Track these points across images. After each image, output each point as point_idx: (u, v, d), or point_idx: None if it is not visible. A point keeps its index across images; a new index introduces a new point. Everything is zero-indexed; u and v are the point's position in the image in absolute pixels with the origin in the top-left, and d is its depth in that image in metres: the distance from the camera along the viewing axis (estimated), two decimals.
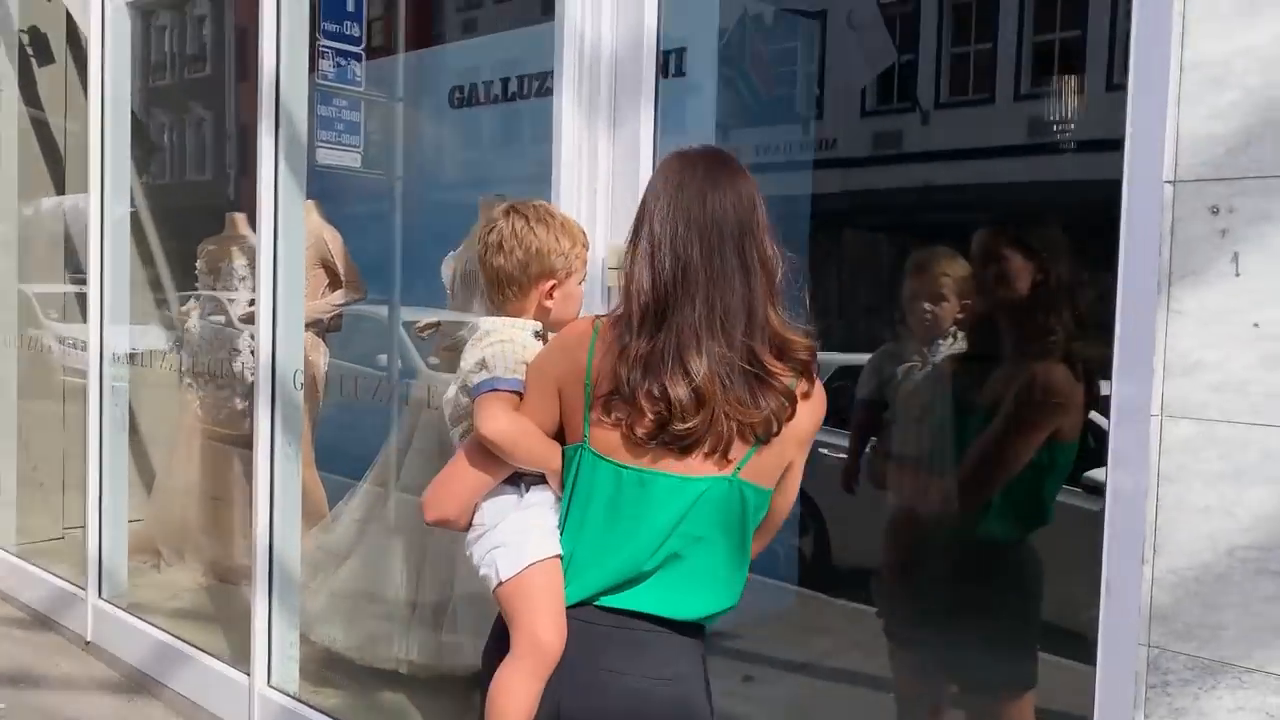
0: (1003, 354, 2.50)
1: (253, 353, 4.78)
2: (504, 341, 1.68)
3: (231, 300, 4.79)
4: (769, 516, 1.67)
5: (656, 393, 1.49)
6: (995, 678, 2.60)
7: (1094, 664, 1.82)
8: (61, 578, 4.56)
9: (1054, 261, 2.33)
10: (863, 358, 3.07)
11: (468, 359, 1.70)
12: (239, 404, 4.82)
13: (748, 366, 1.51)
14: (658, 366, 1.49)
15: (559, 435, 1.64)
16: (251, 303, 4.76)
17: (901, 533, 2.87)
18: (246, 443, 4.77)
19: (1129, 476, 1.68)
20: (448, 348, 3.83)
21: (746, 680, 4.11)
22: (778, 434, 1.54)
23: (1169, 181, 1.56)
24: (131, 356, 4.55)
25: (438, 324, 4.00)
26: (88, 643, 4.27)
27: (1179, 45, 1.54)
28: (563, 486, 1.61)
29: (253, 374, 4.81)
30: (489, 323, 1.74)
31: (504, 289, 1.75)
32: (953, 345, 2.74)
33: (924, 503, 2.78)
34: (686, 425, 1.49)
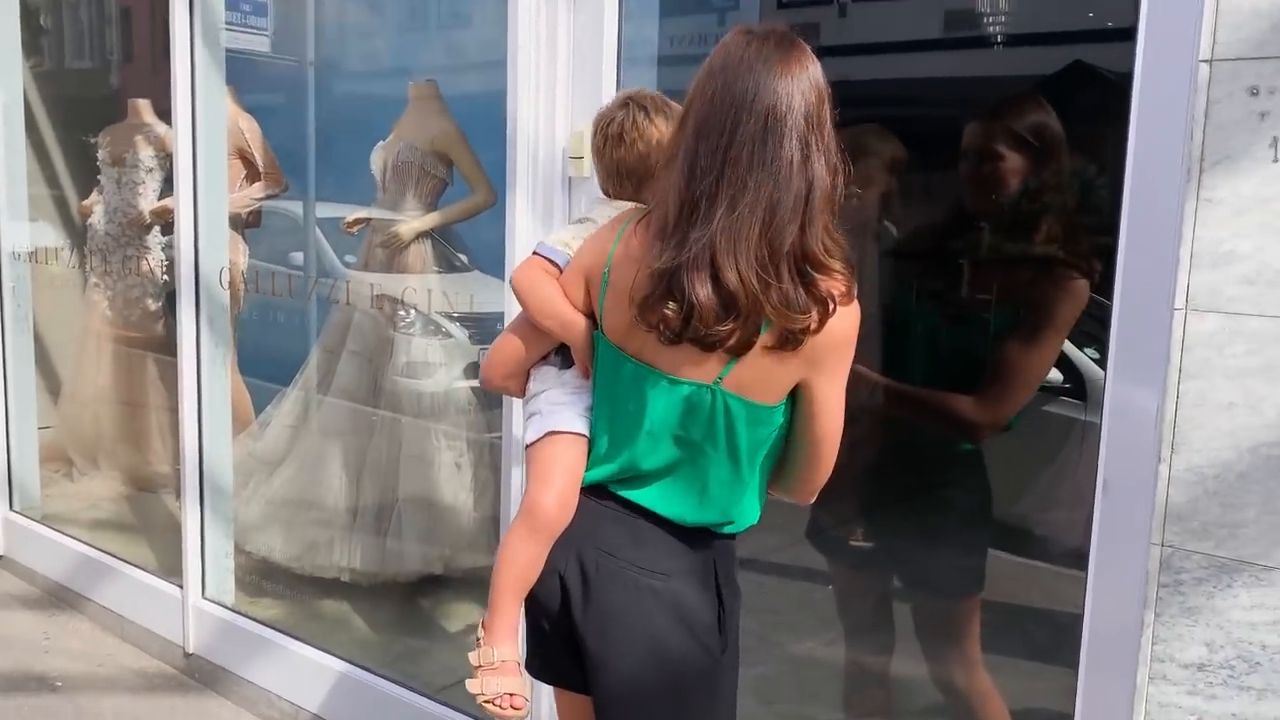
0: (987, 256, 2.40)
1: (164, 250, 4.52)
2: (585, 221, 1.70)
3: (139, 194, 4.49)
4: (809, 446, 1.55)
5: (678, 292, 1.39)
6: (945, 582, 2.59)
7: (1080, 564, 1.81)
8: None
9: (1057, 158, 2.22)
10: None
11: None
12: (151, 305, 4.56)
13: (804, 271, 1.40)
14: (692, 260, 1.39)
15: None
16: (162, 195, 4.49)
17: (872, 445, 2.81)
18: (160, 345, 4.55)
19: (1139, 373, 1.63)
20: (381, 243, 3.64)
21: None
22: (793, 347, 1.42)
23: (1204, 61, 1.47)
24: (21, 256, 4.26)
25: (368, 220, 3.79)
26: (0, 556, 4.06)
27: None
28: (585, 366, 1.61)
29: (165, 273, 4.56)
30: (606, 211, 1.69)
31: (624, 181, 1.71)
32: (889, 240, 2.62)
33: (929, 422, 2.67)
34: (711, 329, 1.39)
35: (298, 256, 5.05)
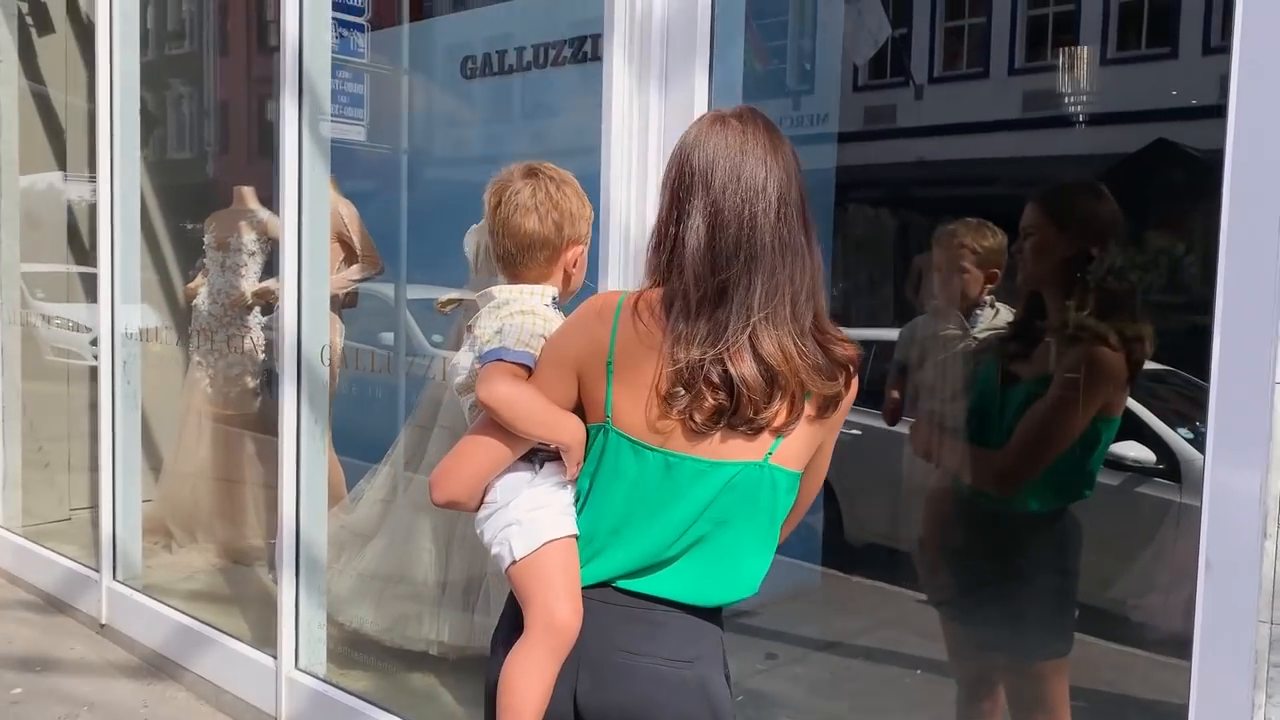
0: (1048, 329, 2.45)
1: (263, 329, 4.70)
2: (525, 313, 1.60)
3: (242, 276, 4.69)
4: (804, 499, 1.60)
5: (717, 378, 1.41)
6: (1035, 646, 2.57)
7: (1187, 646, 1.78)
8: (72, 559, 4.46)
9: (1095, 235, 2.28)
10: (859, 332, 3.06)
11: (484, 327, 1.61)
12: (250, 382, 4.74)
13: (820, 338, 1.46)
14: (733, 350, 1.41)
15: (579, 414, 1.55)
16: (262, 278, 4.68)
17: (944, 504, 2.84)
18: (257, 423, 4.70)
19: (1239, 449, 1.62)
20: (471, 324, 3.74)
21: (770, 659, 4.07)
22: (835, 407, 1.49)
23: None
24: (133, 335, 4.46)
25: (460, 300, 3.90)
26: (102, 625, 4.18)
27: None
28: (579, 465, 1.53)
29: (264, 352, 4.73)
30: (506, 291, 1.65)
31: (535, 253, 1.65)
32: (994, 317, 2.71)
33: (968, 475, 2.74)
34: (760, 411, 1.42)
35: (388, 336, 5.22)
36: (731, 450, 1.45)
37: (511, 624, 1.55)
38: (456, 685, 3.42)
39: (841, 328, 1.50)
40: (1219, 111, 1.70)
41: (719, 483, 1.45)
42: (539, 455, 1.56)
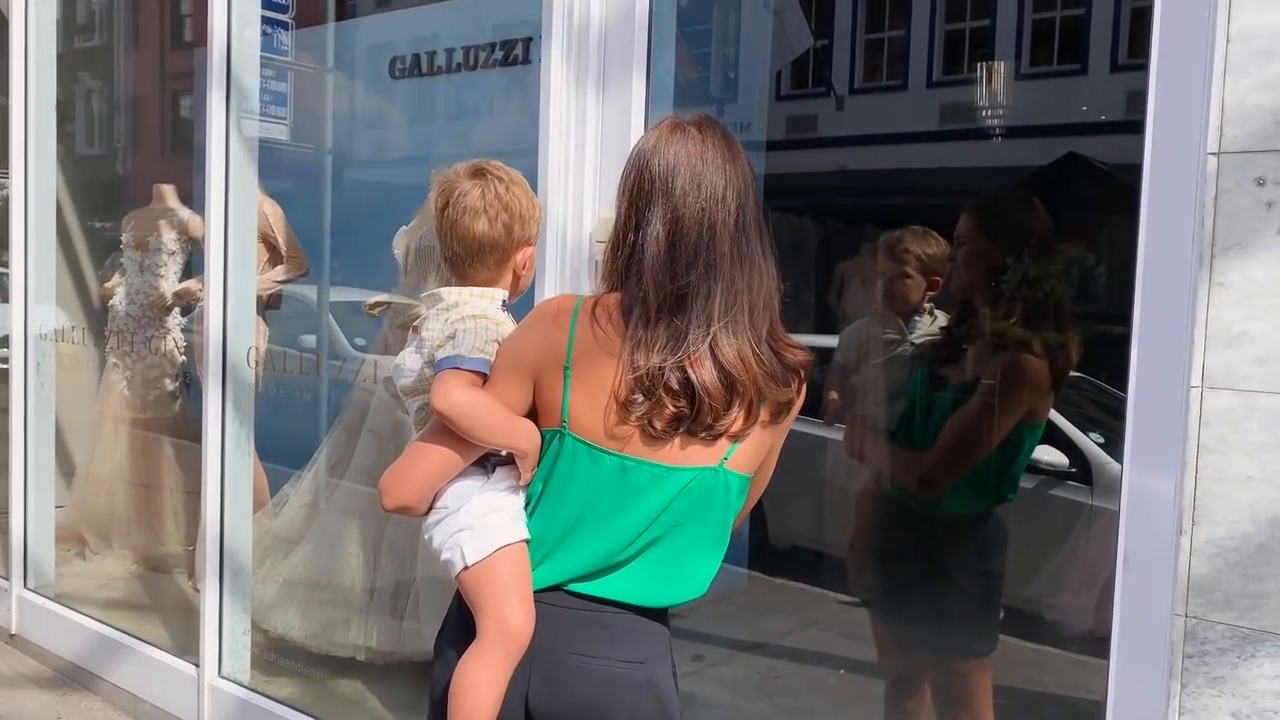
0: (977, 335, 2.53)
1: (182, 331, 4.60)
2: (476, 317, 1.57)
3: (161, 276, 4.58)
4: (750, 501, 1.63)
5: (677, 385, 1.42)
6: (960, 645, 2.65)
7: (1103, 637, 1.85)
8: None
9: (1024, 246, 2.36)
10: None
11: (433, 330, 1.59)
12: (169, 385, 4.63)
13: (773, 344, 1.48)
14: (693, 357, 1.43)
15: (532, 417, 1.55)
16: (182, 278, 4.58)
17: (872, 505, 2.90)
18: (176, 426, 4.60)
19: (1156, 449, 1.69)
20: (401, 325, 3.72)
21: (696, 660, 4.11)
22: (789, 411, 1.52)
23: (1212, 154, 1.56)
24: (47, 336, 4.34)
25: (389, 303, 3.87)
26: (12, 635, 4.06)
27: (1225, 16, 1.54)
28: (533, 469, 1.53)
29: (183, 353, 4.63)
30: (455, 293, 1.62)
31: (485, 256, 1.62)
32: (932, 324, 2.78)
33: (897, 477, 2.81)
34: (720, 418, 1.45)
35: (309, 339, 5.15)
36: (688, 455, 1.47)
37: (460, 628, 1.55)
38: (385, 691, 3.39)
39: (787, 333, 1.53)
40: (1127, 127, 1.77)
41: (675, 487, 1.47)
42: (491, 460, 1.56)
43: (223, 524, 3.30)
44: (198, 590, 4.02)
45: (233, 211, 3.27)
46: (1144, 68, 1.72)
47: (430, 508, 1.57)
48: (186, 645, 3.49)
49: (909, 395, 2.78)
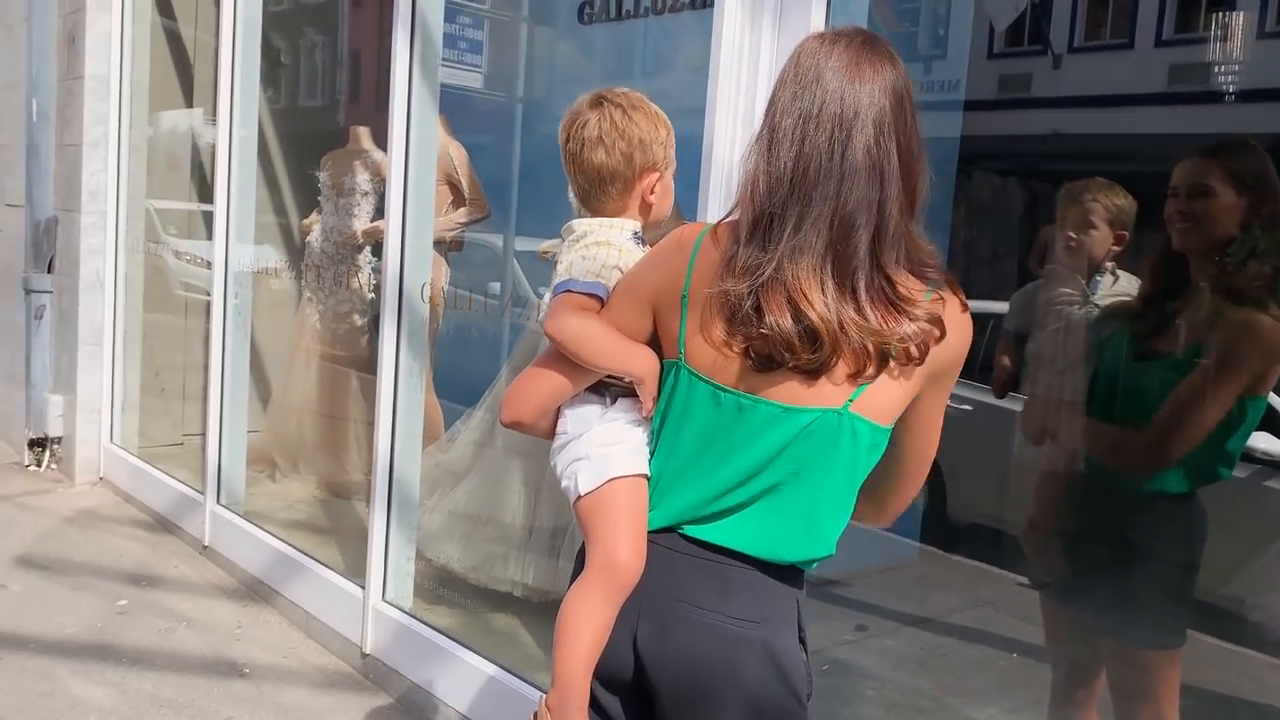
0: (1192, 298, 2.29)
1: (372, 269, 4.77)
2: (600, 244, 1.53)
3: (354, 216, 4.76)
4: (908, 463, 1.50)
5: (754, 317, 1.34)
6: (1148, 634, 2.44)
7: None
8: (182, 482, 4.63)
9: (1271, 198, 2.11)
10: (977, 305, 2.92)
11: (564, 262, 1.56)
12: (358, 321, 4.82)
13: (881, 283, 1.34)
14: (766, 286, 1.33)
15: (656, 348, 1.48)
16: (374, 218, 4.75)
17: (1062, 483, 2.70)
18: (362, 360, 4.79)
19: None
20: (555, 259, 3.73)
21: (859, 630, 4.00)
22: (920, 360, 1.35)
23: None
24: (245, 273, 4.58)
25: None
26: (205, 547, 4.33)
27: None
28: (654, 399, 1.47)
29: (372, 290, 4.80)
30: (585, 224, 1.58)
31: (606, 187, 1.57)
32: (1115, 284, 2.56)
33: (1097, 454, 2.59)
34: (801, 357, 1.33)
35: (495, 286, 5.26)
36: (809, 396, 1.36)
37: (585, 562, 1.52)
38: (539, 628, 3.44)
39: (928, 267, 1.38)
40: None
41: (794, 429, 1.37)
42: (612, 390, 1.52)
43: (393, 454, 3.40)
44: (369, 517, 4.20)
45: (413, 153, 3.33)
46: None
47: (553, 431, 1.55)
48: (356, 569, 3.62)
49: (1106, 364, 2.57)
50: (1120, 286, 2.58)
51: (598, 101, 1.59)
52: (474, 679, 3.06)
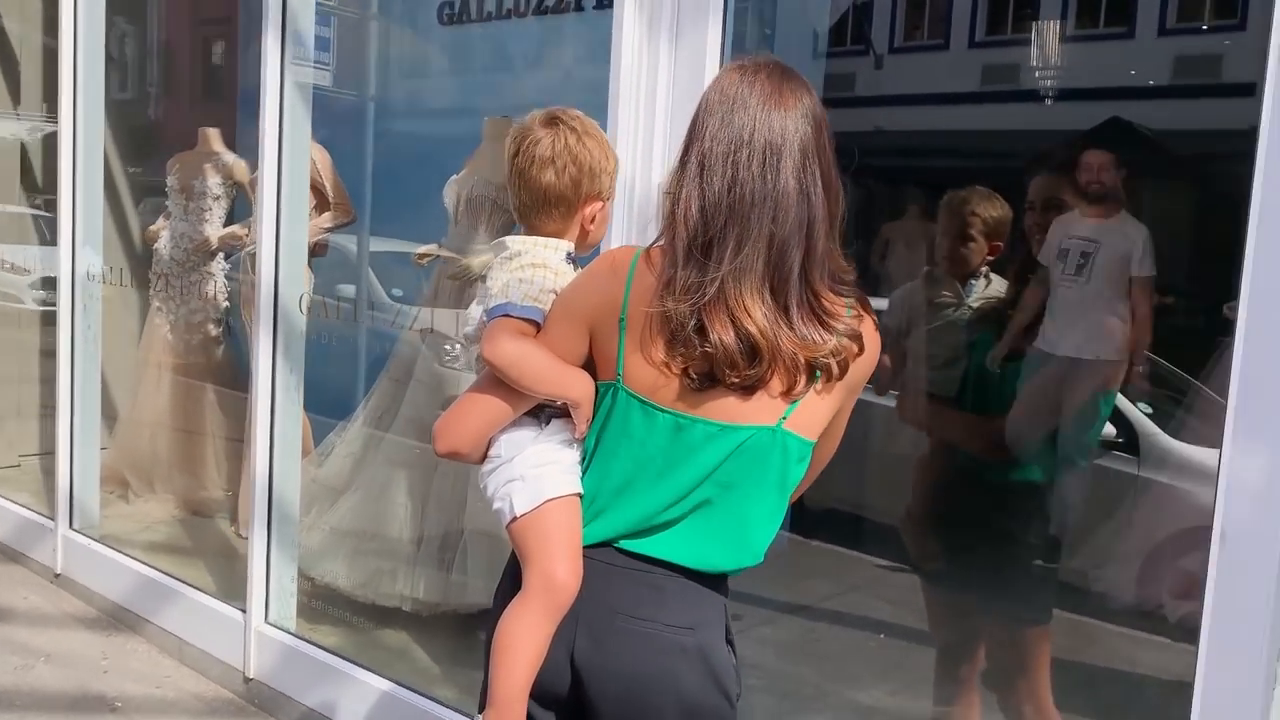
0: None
1: (228, 277, 4.58)
2: (536, 266, 1.53)
3: (205, 220, 4.55)
4: (813, 467, 1.55)
5: (697, 335, 1.38)
6: (1023, 612, 2.61)
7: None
8: (25, 507, 4.34)
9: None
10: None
11: (496, 280, 1.54)
12: (212, 330, 4.62)
13: (810, 300, 1.40)
14: (709, 305, 1.37)
15: (590, 369, 1.50)
16: (227, 222, 4.56)
17: (934, 472, 2.85)
18: (218, 370, 4.59)
19: (1265, 425, 1.64)
20: (452, 275, 3.68)
21: (736, 619, 4.08)
22: (841, 376, 1.43)
23: None
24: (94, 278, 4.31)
25: (438, 254, 3.82)
26: (57, 575, 4.08)
27: None
28: (588, 422, 1.49)
29: (227, 299, 4.61)
30: (520, 242, 1.58)
31: (550, 209, 1.58)
32: (987, 287, 2.72)
33: (965, 443, 2.75)
34: (742, 374, 1.38)
35: (346, 289, 5.11)
36: (744, 414, 1.41)
37: (513, 581, 1.52)
38: (430, 642, 3.39)
39: (847, 284, 1.45)
40: (1173, 92, 1.69)
41: (730, 446, 1.42)
42: (545, 412, 1.53)
43: (272, 471, 3.28)
44: (241, 535, 4.04)
45: (286, 158, 3.22)
46: (1193, 32, 1.65)
47: (485, 456, 1.54)
48: (231, 590, 3.49)
49: (976, 360, 2.72)
50: (993, 289, 2.74)
51: (552, 121, 1.57)
52: (370, 698, 2.99)
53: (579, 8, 4.33)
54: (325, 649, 3.20)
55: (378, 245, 5.26)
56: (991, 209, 2.61)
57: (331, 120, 5.43)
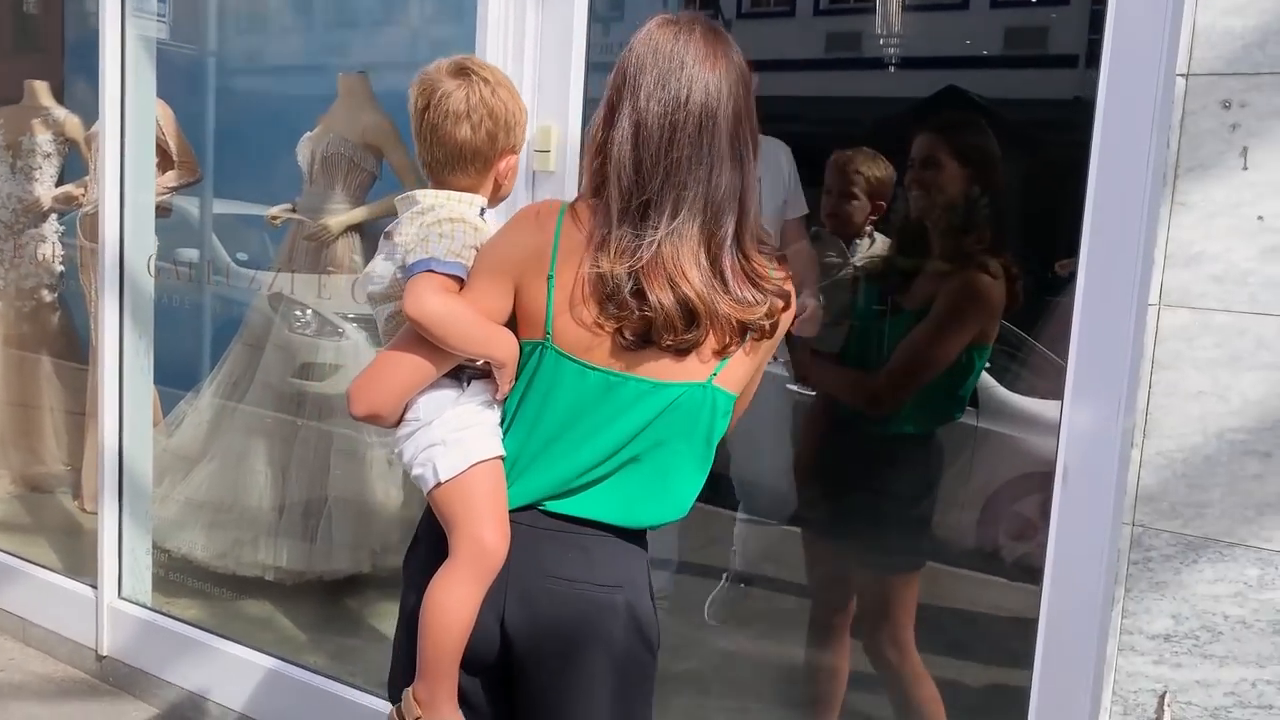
0: (930, 258, 2.56)
1: (61, 239, 4.35)
2: (454, 220, 1.49)
3: (35, 180, 4.30)
4: (733, 420, 1.58)
5: (642, 297, 1.37)
6: (893, 559, 2.70)
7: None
8: None
9: (990, 170, 2.39)
10: None
11: (407, 235, 1.49)
12: (47, 296, 4.38)
13: (742, 263, 1.42)
14: (647, 268, 1.37)
15: (511, 327, 1.48)
16: (60, 181, 4.31)
17: (819, 425, 2.92)
18: (54, 339, 4.36)
19: (1104, 367, 1.75)
20: (308, 236, 3.58)
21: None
22: (771, 334, 1.46)
23: (1181, 75, 1.59)
24: None
25: (293, 210, 3.71)
26: None
27: None
28: (510, 381, 1.46)
29: (62, 263, 4.37)
30: (432, 196, 1.53)
31: (465, 164, 1.53)
32: (870, 247, 2.79)
33: (845, 397, 2.82)
34: (679, 337, 1.39)
35: (186, 253, 4.90)
36: (675, 371, 1.42)
37: (431, 547, 1.50)
38: (295, 611, 3.33)
39: (766, 243, 1.47)
40: (1005, 62, 1.78)
41: (662, 403, 1.42)
42: (466, 372, 1.50)
43: (122, 442, 3.15)
44: (86, 510, 3.87)
45: (130, 114, 3.08)
46: (1023, 4, 1.73)
47: (401, 419, 1.50)
48: (79, 566, 3.35)
49: (860, 318, 2.79)
50: (877, 249, 2.81)
51: (462, 72, 1.53)
52: (234, 668, 2.92)
53: None
54: (185, 621, 3.10)
55: (221, 207, 5.06)
56: (875, 169, 2.66)
57: (170, 76, 5.18)
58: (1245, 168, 1.55)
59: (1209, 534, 1.62)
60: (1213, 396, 1.60)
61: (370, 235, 3.64)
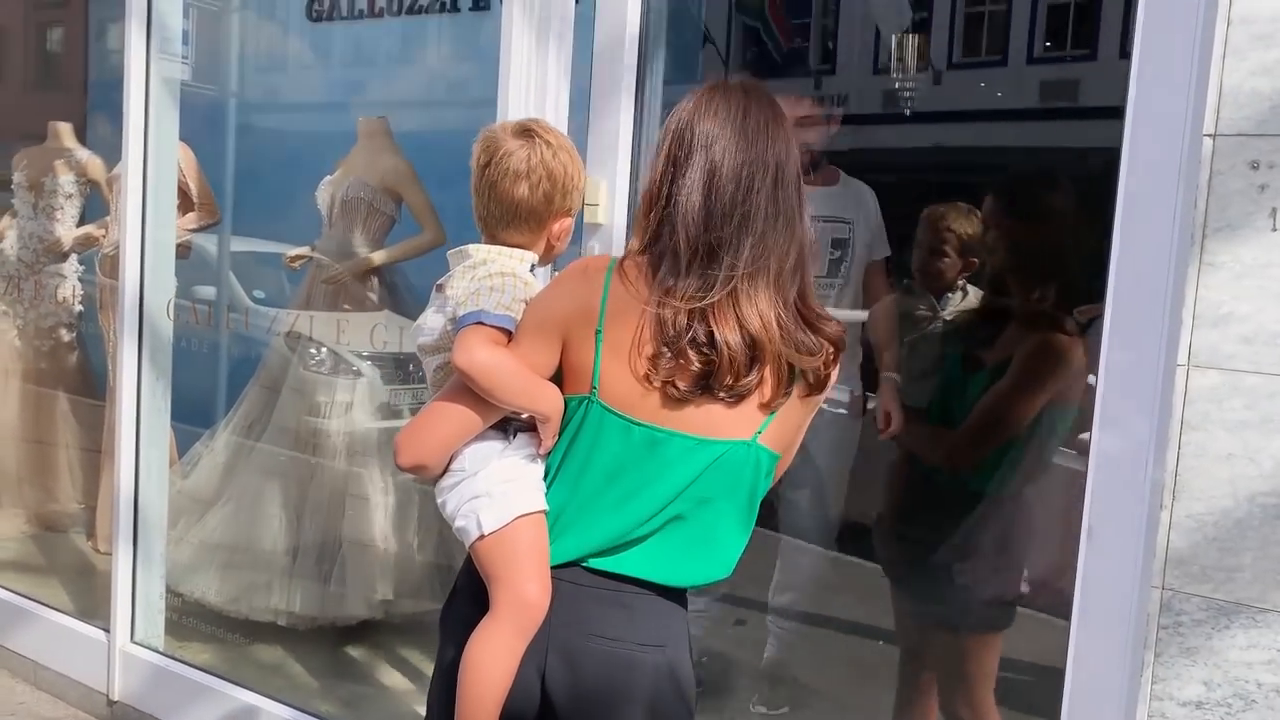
0: (1011, 315, 2.53)
1: (81, 279, 4.37)
2: (505, 275, 1.51)
3: (57, 220, 4.33)
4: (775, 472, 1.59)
5: (702, 338, 1.38)
6: (977, 618, 2.64)
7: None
8: None
9: (1054, 228, 2.37)
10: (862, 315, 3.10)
11: (459, 288, 1.51)
12: (65, 335, 4.40)
13: (801, 306, 1.44)
14: (716, 307, 1.39)
15: (557, 382, 1.49)
16: (81, 222, 4.35)
17: (902, 479, 2.88)
18: (71, 377, 4.37)
19: (1128, 425, 1.72)
20: (327, 279, 3.59)
21: (739, 625, 4.00)
22: (819, 389, 1.48)
23: (1208, 135, 1.58)
24: None
25: (311, 255, 3.72)
26: None
27: (1226, 1, 1.55)
28: (555, 436, 1.47)
29: (81, 303, 4.40)
30: (484, 251, 1.56)
31: (520, 223, 1.57)
32: (962, 300, 2.76)
33: (926, 453, 2.78)
34: (740, 380, 1.40)
35: (205, 290, 4.92)
36: (720, 428, 1.42)
37: (470, 599, 1.49)
38: (307, 657, 3.30)
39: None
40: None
41: (706, 460, 1.42)
42: (512, 425, 1.50)
43: (137, 484, 3.14)
44: (99, 551, 3.86)
45: (152, 155, 3.10)
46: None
47: (445, 470, 1.51)
48: (91, 609, 3.34)
49: (943, 373, 2.76)
50: (969, 302, 2.79)
51: (526, 133, 1.57)
52: (247, 717, 2.89)
53: (454, 8, 4.28)
54: (196, 667, 3.08)
55: (239, 245, 5.09)
56: (968, 225, 2.64)
57: (190, 116, 5.23)
58: (1275, 229, 1.54)
59: (1240, 599, 1.59)
60: (1243, 459, 1.58)
61: (388, 279, 3.66)
